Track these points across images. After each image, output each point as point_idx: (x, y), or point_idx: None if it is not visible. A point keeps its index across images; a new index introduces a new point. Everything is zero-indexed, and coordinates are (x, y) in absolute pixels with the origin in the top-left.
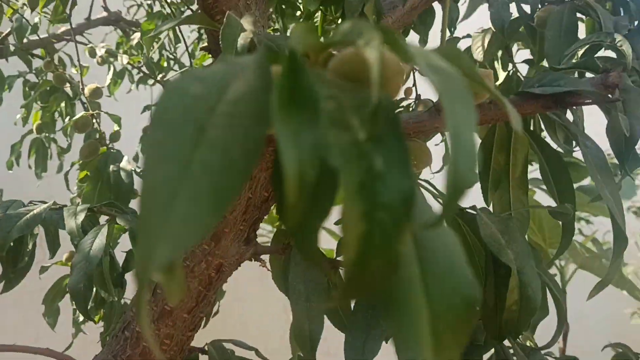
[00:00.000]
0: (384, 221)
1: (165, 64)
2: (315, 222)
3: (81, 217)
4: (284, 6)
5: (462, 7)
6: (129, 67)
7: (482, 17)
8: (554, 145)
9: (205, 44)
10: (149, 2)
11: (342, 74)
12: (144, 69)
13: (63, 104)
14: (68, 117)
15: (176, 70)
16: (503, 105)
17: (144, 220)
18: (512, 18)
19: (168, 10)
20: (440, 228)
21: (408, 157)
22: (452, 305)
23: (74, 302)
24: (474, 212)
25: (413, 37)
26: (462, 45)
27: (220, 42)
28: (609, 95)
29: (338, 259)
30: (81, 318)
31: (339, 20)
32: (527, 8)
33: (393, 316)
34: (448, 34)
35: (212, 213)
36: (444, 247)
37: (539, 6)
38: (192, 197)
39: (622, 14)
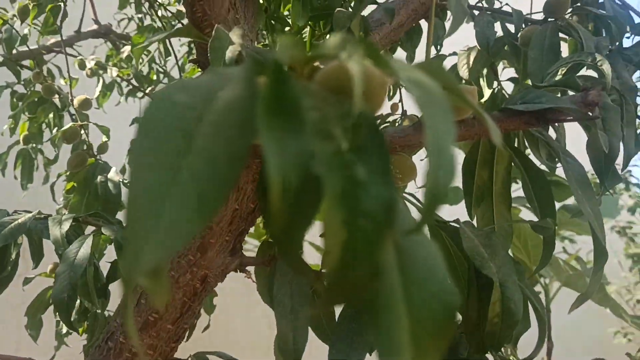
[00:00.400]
0: (365, 228)
1: (154, 77)
2: (299, 229)
3: (66, 226)
4: (273, 22)
5: (448, 25)
6: (119, 79)
7: (468, 35)
8: (537, 162)
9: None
10: (139, 15)
11: (327, 87)
12: (133, 81)
13: (51, 115)
14: (56, 128)
15: (166, 84)
16: (483, 120)
17: (130, 225)
18: (496, 36)
19: (159, 23)
20: (420, 236)
21: (389, 167)
22: (432, 312)
23: (57, 313)
24: (457, 226)
25: (400, 54)
26: (449, 62)
27: (208, 55)
28: (589, 113)
29: (323, 270)
30: (64, 330)
31: (328, 36)
32: (511, 27)
33: (374, 322)
34: (434, 51)
35: (198, 219)
36: (424, 256)
37: (523, 25)
38: (179, 203)
39: (603, 35)
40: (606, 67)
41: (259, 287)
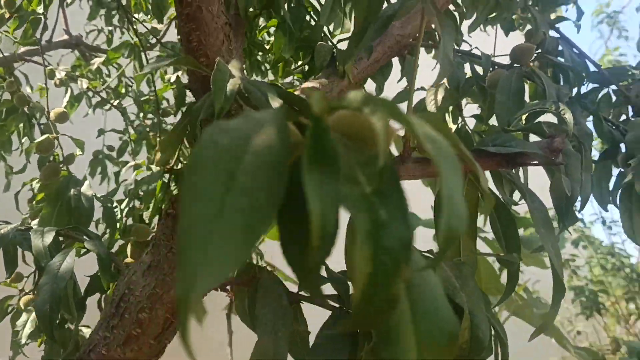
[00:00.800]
0: (386, 263)
1: (123, 90)
2: (322, 260)
3: (49, 238)
4: (252, 46)
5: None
6: (88, 91)
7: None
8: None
9: (174, 75)
10: (109, 28)
11: (340, 130)
12: (102, 93)
13: (21, 125)
14: (25, 138)
15: (131, 97)
16: (475, 168)
17: (183, 253)
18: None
19: (135, 38)
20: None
21: (406, 209)
22: (436, 338)
23: (40, 324)
24: (431, 257)
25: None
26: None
27: (210, 85)
28: (554, 159)
29: (301, 292)
30: (23, 340)
31: (306, 66)
32: (479, 69)
33: (389, 345)
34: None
35: (243, 249)
36: (429, 287)
37: (491, 69)
38: (225, 235)
39: (561, 81)
40: (569, 117)
41: (237, 306)
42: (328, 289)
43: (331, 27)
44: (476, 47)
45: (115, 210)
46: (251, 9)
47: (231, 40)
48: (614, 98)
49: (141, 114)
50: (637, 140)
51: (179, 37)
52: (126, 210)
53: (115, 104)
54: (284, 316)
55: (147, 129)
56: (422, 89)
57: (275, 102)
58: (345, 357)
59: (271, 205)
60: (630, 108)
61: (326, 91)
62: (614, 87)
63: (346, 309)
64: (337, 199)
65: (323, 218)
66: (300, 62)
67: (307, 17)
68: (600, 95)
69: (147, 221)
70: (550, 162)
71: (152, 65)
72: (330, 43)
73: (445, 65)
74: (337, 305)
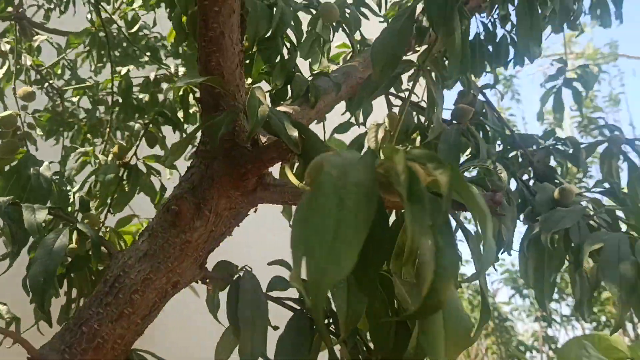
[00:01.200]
0: (442, 276)
1: (59, 71)
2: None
3: (41, 215)
4: None
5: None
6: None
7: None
8: None
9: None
10: (51, 6)
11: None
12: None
13: None
14: None
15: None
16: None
17: (311, 254)
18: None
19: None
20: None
21: (455, 240)
22: (458, 332)
23: (33, 295)
24: (390, 275)
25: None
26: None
27: (246, 111)
28: (497, 210)
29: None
30: None
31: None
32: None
33: (426, 333)
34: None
35: (353, 250)
36: (453, 297)
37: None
38: (343, 240)
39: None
40: (504, 175)
41: (208, 298)
42: (292, 292)
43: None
44: (423, 100)
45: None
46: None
47: (243, 66)
48: (520, 160)
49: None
50: (544, 202)
51: (199, 56)
52: (77, 196)
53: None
54: (261, 312)
55: (82, 118)
56: (363, 125)
57: (291, 130)
58: (307, 349)
59: (366, 221)
60: (532, 171)
61: (298, 118)
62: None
63: (306, 312)
64: (426, 228)
65: (414, 241)
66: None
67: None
68: (509, 156)
69: (93, 210)
70: (493, 213)
71: (185, 81)
72: (299, 73)
73: (437, 127)
74: (298, 307)
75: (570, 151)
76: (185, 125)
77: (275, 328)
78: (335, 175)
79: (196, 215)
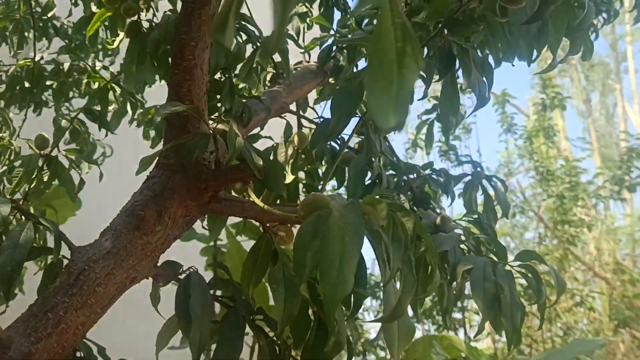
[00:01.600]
0: (406, 293)
1: None
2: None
3: (5, 209)
4: None
5: None
6: None
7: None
8: None
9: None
10: None
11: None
12: None
13: None
14: None
15: None
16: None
17: (329, 277)
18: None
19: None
20: None
21: (413, 268)
22: (406, 331)
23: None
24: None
25: None
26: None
27: (227, 143)
28: None
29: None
30: None
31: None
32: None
33: (386, 331)
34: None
35: (352, 273)
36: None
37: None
38: (346, 267)
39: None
40: (407, 205)
41: (152, 294)
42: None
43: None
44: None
45: None
46: None
47: (207, 93)
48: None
49: None
50: (427, 227)
51: (171, 82)
52: None
53: None
54: (209, 308)
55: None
56: (270, 138)
57: (257, 159)
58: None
59: (358, 252)
60: (412, 195)
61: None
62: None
63: (239, 309)
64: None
65: (392, 272)
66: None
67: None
68: (394, 180)
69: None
70: None
71: (166, 110)
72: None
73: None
74: (231, 304)
75: (442, 180)
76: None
77: (215, 322)
78: (337, 217)
79: (157, 220)
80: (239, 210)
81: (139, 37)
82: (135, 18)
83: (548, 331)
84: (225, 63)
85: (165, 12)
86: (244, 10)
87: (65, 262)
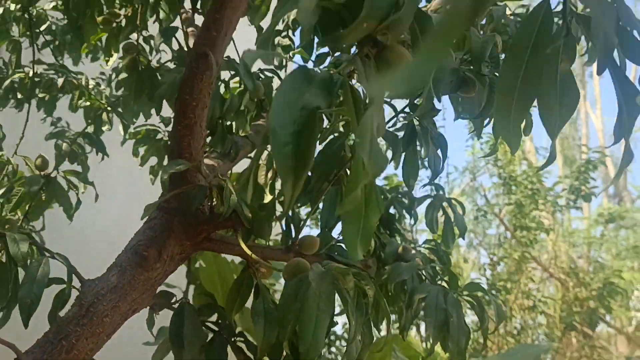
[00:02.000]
0: (363, 350)
1: None
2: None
3: (24, 246)
4: None
5: None
6: None
7: None
8: None
9: None
10: None
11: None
12: None
13: None
14: None
15: None
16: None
17: (306, 335)
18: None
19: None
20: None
21: (371, 325)
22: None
23: (20, 311)
24: None
25: None
26: None
27: (223, 200)
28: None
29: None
30: None
31: None
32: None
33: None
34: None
35: (324, 332)
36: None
37: None
38: (319, 329)
39: None
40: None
41: (148, 320)
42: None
43: None
44: None
45: None
46: None
47: (205, 145)
48: None
49: None
50: (390, 254)
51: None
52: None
53: None
54: (200, 333)
55: None
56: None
57: (247, 212)
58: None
59: (330, 315)
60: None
61: (222, 169)
62: None
63: (222, 333)
64: (362, 321)
65: (355, 334)
66: None
67: None
68: None
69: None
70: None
71: (171, 169)
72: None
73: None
74: (216, 329)
75: (407, 202)
76: None
77: (204, 346)
78: (315, 286)
79: (157, 259)
80: (228, 248)
81: (136, 73)
82: (133, 55)
83: (503, 328)
84: (220, 113)
85: (166, 62)
86: (231, 52)
87: (74, 291)
